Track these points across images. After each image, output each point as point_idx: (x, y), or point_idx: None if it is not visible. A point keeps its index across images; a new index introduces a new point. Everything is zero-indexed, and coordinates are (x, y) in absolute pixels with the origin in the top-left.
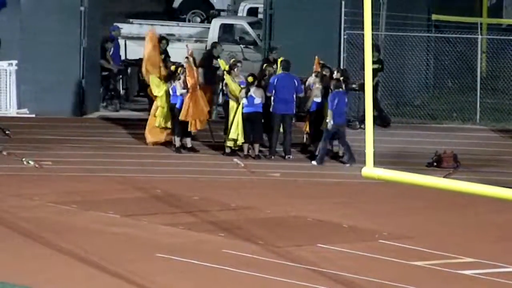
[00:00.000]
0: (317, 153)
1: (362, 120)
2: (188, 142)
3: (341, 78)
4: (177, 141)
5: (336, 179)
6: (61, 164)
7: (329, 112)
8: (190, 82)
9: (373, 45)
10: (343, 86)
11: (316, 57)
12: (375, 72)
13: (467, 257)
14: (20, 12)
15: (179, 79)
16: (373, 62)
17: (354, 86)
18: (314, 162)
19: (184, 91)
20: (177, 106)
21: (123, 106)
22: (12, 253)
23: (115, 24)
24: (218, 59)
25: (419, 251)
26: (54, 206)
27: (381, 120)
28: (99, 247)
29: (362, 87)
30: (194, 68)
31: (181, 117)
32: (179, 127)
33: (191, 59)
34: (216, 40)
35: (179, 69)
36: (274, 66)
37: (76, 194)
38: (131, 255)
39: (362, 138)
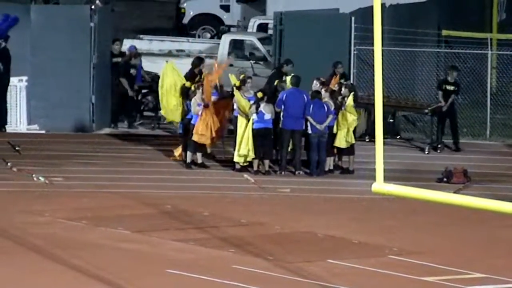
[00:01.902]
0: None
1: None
2: (199, 158)
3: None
4: (188, 156)
5: (346, 194)
6: (72, 180)
7: (309, 119)
8: (207, 96)
9: (452, 66)
10: (321, 96)
11: (337, 76)
12: (449, 93)
13: (478, 273)
14: (30, 29)
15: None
16: (450, 83)
17: (426, 111)
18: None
19: (199, 108)
20: (192, 121)
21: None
22: (22, 268)
23: (131, 44)
24: (229, 75)
25: (429, 266)
26: (64, 222)
27: (456, 146)
28: (109, 263)
29: (434, 111)
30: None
31: (194, 138)
32: (192, 143)
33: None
34: (227, 55)
35: (193, 86)
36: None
37: (86, 210)
38: (141, 271)
39: (372, 154)
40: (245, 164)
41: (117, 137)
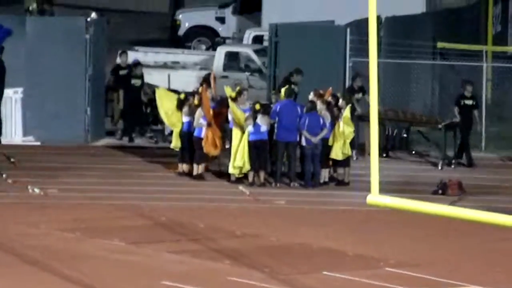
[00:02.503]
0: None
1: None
2: (201, 169)
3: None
4: (199, 169)
5: (341, 206)
6: (67, 191)
7: (304, 133)
8: (207, 114)
9: (467, 80)
10: (317, 108)
11: (330, 88)
12: (469, 108)
13: (473, 285)
14: (25, 40)
15: (190, 107)
16: (468, 98)
17: (439, 126)
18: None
19: (204, 123)
20: (196, 134)
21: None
22: (17, 280)
23: (135, 58)
24: (224, 86)
25: (424, 279)
26: (59, 233)
27: (469, 161)
28: (104, 274)
29: (447, 127)
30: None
31: (207, 150)
32: (199, 154)
33: (212, 84)
34: (221, 68)
35: (196, 99)
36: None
37: (82, 221)
38: (136, 283)
39: (367, 166)
40: (240, 176)
41: (112, 148)
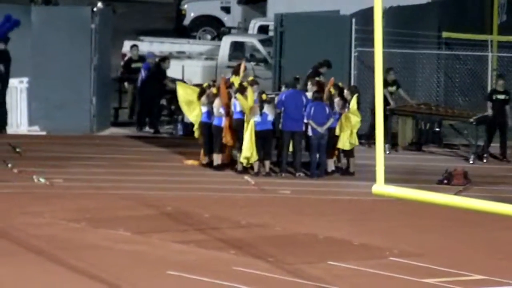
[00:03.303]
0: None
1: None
2: (220, 159)
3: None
4: (219, 158)
5: (346, 196)
6: (72, 181)
7: (310, 123)
8: (225, 104)
9: (499, 74)
10: (323, 97)
11: (332, 78)
12: (502, 103)
13: (478, 275)
14: (31, 30)
15: (208, 97)
16: (500, 92)
17: (471, 120)
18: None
19: (223, 112)
20: (216, 123)
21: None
22: (22, 270)
23: (149, 51)
24: (233, 76)
25: (429, 268)
26: (64, 223)
27: (504, 156)
28: (110, 264)
29: (479, 121)
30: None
31: (226, 140)
32: (221, 144)
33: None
34: (227, 58)
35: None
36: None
37: (87, 211)
38: (141, 273)
39: (372, 155)
40: (247, 165)
41: (117, 138)
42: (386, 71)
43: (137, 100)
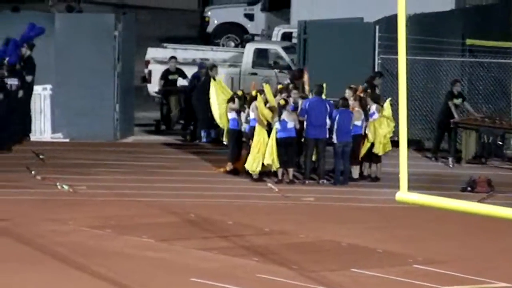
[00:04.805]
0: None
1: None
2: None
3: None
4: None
5: (370, 203)
6: (95, 188)
7: (334, 130)
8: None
9: None
10: (348, 104)
11: (361, 86)
12: None
13: (502, 282)
14: (54, 37)
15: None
16: None
17: None
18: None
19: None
20: (247, 130)
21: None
22: (46, 277)
23: (201, 61)
24: (251, 83)
25: (453, 276)
26: (88, 230)
27: None
28: (133, 271)
29: None
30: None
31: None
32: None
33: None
34: (250, 65)
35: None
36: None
37: (110, 218)
38: (165, 280)
39: (396, 162)
40: (262, 171)
41: (141, 145)
42: (452, 83)
43: (184, 109)
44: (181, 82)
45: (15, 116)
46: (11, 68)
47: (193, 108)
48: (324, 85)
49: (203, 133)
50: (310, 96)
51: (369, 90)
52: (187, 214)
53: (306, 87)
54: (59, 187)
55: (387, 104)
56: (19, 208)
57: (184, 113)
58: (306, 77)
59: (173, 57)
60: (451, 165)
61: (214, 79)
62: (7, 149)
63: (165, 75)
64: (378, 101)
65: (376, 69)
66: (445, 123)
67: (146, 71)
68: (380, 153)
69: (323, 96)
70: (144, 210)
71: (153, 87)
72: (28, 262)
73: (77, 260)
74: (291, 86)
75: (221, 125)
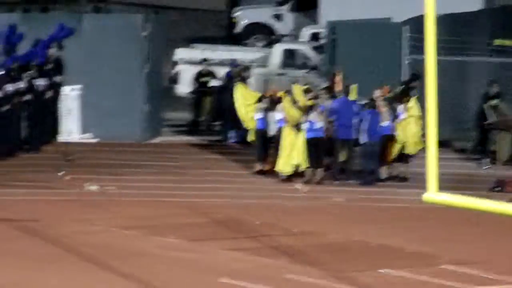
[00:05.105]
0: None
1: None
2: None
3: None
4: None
5: (399, 203)
6: (124, 189)
7: (362, 131)
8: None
9: None
10: (376, 105)
11: (387, 86)
12: None
13: None
14: (83, 37)
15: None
16: None
17: None
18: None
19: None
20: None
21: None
22: (74, 277)
23: (232, 60)
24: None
25: (482, 277)
26: (116, 231)
27: None
28: (162, 272)
29: None
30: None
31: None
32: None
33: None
34: (278, 66)
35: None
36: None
37: (139, 219)
38: (193, 280)
39: (423, 162)
40: (290, 173)
41: (169, 146)
42: (489, 84)
43: (217, 110)
44: (213, 83)
45: (44, 117)
46: (40, 68)
47: (225, 108)
48: (354, 86)
49: (231, 134)
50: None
51: (395, 90)
52: (215, 214)
53: (338, 88)
54: (87, 187)
55: (413, 103)
56: (48, 208)
57: (217, 114)
58: (338, 79)
59: (205, 59)
60: (484, 167)
61: (245, 81)
62: (36, 150)
63: (197, 77)
64: (404, 101)
65: (403, 70)
66: (481, 125)
67: (173, 71)
68: (412, 153)
69: (352, 97)
70: (173, 211)
71: (181, 88)
72: (56, 263)
73: (105, 260)
74: (320, 87)
75: (246, 127)
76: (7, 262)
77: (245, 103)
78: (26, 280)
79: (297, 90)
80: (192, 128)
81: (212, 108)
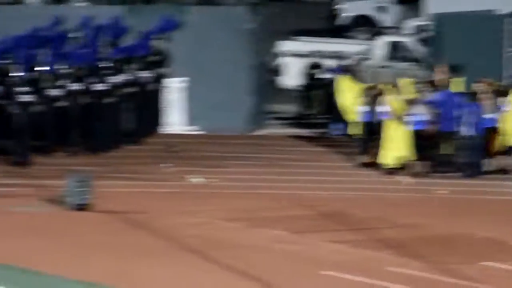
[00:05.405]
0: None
1: None
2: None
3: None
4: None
5: (503, 196)
6: (229, 181)
7: (465, 123)
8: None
9: None
10: (478, 98)
11: (488, 79)
12: None
13: None
14: (190, 30)
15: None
16: None
17: None
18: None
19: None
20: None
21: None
22: (180, 269)
23: (341, 54)
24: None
25: None
26: (221, 223)
27: None
28: (264, 263)
29: None
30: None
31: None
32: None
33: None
34: (383, 58)
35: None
36: None
37: (242, 211)
38: (295, 272)
39: None
40: (395, 166)
41: (273, 138)
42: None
43: (324, 102)
44: (320, 75)
45: (147, 109)
46: (143, 61)
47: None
48: (459, 79)
49: (335, 126)
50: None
51: (498, 83)
52: (319, 206)
53: (442, 81)
54: (192, 179)
55: None
56: (151, 200)
57: (327, 107)
58: (441, 71)
59: (314, 52)
60: None
61: (355, 74)
62: (139, 142)
63: (308, 69)
64: (507, 93)
65: (504, 63)
66: None
67: (277, 64)
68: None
69: (456, 90)
70: (275, 203)
71: (287, 80)
72: (160, 255)
73: (209, 252)
74: (424, 79)
75: (349, 119)
76: (114, 254)
77: (350, 96)
78: (132, 271)
79: (402, 82)
80: (299, 121)
81: (321, 101)
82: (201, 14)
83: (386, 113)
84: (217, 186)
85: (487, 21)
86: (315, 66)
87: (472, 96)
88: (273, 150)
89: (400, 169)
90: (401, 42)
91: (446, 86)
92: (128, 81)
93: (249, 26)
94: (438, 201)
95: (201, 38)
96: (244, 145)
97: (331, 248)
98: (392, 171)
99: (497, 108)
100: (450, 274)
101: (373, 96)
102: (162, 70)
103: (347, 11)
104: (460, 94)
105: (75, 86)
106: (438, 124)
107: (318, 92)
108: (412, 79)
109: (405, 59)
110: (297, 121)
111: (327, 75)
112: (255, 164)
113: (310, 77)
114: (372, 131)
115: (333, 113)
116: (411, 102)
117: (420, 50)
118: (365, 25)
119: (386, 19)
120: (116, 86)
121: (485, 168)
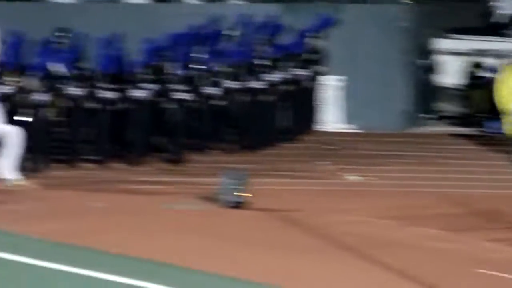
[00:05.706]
0: None
1: None
2: None
3: None
4: None
5: None
6: (383, 179)
7: None
8: None
9: None
10: None
11: None
12: None
13: None
14: (344, 28)
15: None
16: None
17: None
18: None
19: None
20: None
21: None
22: (333, 266)
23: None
24: None
25: None
26: (375, 221)
27: None
28: (419, 261)
29: None
30: None
31: None
32: None
33: None
34: None
35: None
36: None
37: (396, 209)
38: (450, 270)
39: None
40: None
41: (429, 136)
42: None
43: (486, 101)
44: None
45: (302, 107)
46: (300, 59)
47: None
48: None
49: (491, 124)
50: None
51: None
52: (473, 205)
53: None
54: (348, 177)
55: None
56: (307, 198)
57: (489, 106)
58: None
59: (475, 51)
60: None
61: None
62: (294, 139)
63: (468, 67)
64: None
65: None
66: None
67: (433, 62)
68: None
69: None
70: (429, 201)
71: (446, 78)
72: (315, 252)
73: (365, 250)
74: None
75: (504, 117)
76: (273, 253)
77: (508, 93)
78: (294, 270)
79: None
80: (460, 120)
81: (481, 99)
82: (356, 12)
83: None
84: (373, 184)
85: None
86: (477, 64)
87: None
88: (429, 148)
89: None
90: None
91: None
92: (285, 79)
93: (403, 24)
94: None
95: (356, 36)
96: (400, 143)
97: (487, 247)
98: None
99: None
100: None
101: None
102: (319, 68)
103: (503, 9)
104: None
105: (232, 84)
106: None
107: (478, 91)
108: None
109: None
110: (455, 119)
111: (488, 74)
112: (411, 162)
113: (471, 75)
114: None
115: (492, 111)
116: None
117: None
118: None
119: None
120: (273, 84)
121: None
